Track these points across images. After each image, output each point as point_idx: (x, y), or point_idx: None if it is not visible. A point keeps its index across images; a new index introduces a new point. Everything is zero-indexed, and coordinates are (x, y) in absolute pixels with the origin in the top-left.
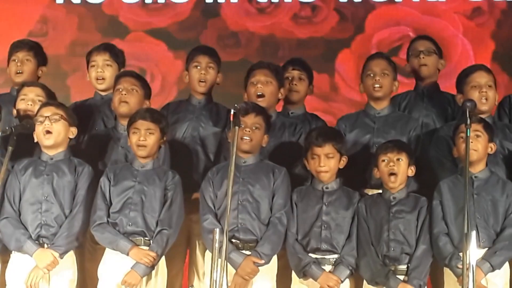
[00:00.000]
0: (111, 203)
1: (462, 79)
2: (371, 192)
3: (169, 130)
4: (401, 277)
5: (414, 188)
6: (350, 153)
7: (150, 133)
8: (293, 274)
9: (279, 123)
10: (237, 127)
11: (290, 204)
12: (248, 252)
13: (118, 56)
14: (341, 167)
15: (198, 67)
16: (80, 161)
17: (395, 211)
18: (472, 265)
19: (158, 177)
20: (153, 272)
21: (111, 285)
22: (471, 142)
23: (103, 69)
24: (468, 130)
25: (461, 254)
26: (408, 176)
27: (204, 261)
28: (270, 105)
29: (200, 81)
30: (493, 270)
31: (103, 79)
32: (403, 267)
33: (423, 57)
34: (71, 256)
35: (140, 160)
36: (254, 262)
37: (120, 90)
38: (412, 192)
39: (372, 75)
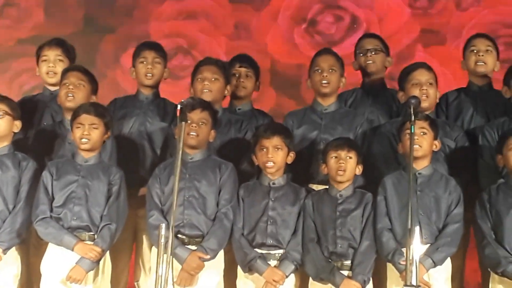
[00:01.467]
0: (53, 198)
1: (404, 76)
2: (316, 187)
3: (116, 125)
4: (347, 272)
5: (360, 183)
6: (297, 149)
7: (94, 128)
8: (239, 268)
9: (225, 120)
10: (183, 122)
11: (237, 199)
12: (194, 247)
13: (69, 52)
14: (288, 162)
15: (144, 62)
16: (24, 156)
17: (341, 210)
18: (416, 261)
19: (102, 172)
20: (99, 267)
21: (54, 281)
22: (417, 139)
23: (54, 64)
24: (413, 126)
25: (403, 249)
26: (355, 174)
27: (151, 257)
28: (216, 101)
29: (147, 75)
30: (435, 266)
31: (54, 73)
32: (349, 262)
33: (371, 55)
34: (14, 252)
35: (84, 155)
36: (200, 257)
37: (67, 84)
38: (358, 188)
39: (319, 71)
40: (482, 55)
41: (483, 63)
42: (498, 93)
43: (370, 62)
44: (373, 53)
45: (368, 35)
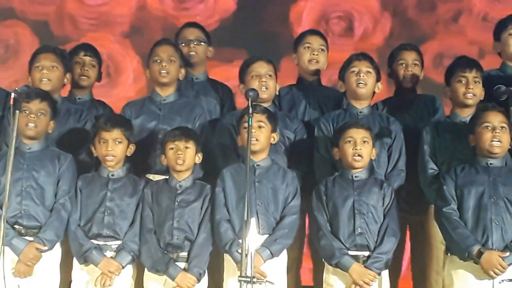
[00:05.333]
0: None
1: (244, 69)
2: (155, 177)
3: None
4: (183, 264)
5: (200, 175)
6: (136, 139)
7: None
8: (74, 260)
9: (64, 109)
10: (17, 111)
11: (75, 191)
12: (31, 238)
13: None
14: (128, 154)
15: None
16: None
17: (180, 200)
18: (251, 252)
19: None
20: None
21: None
22: (254, 132)
23: None
24: (250, 119)
25: (241, 240)
26: (195, 163)
27: None
28: (54, 90)
29: None
30: (273, 257)
31: None
32: (185, 254)
33: (194, 47)
34: None
35: None
36: (37, 248)
37: None
38: (198, 179)
39: (159, 61)
40: (317, 54)
41: (316, 62)
42: (328, 88)
43: (193, 53)
44: (195, 43)
45: (189, 24)
